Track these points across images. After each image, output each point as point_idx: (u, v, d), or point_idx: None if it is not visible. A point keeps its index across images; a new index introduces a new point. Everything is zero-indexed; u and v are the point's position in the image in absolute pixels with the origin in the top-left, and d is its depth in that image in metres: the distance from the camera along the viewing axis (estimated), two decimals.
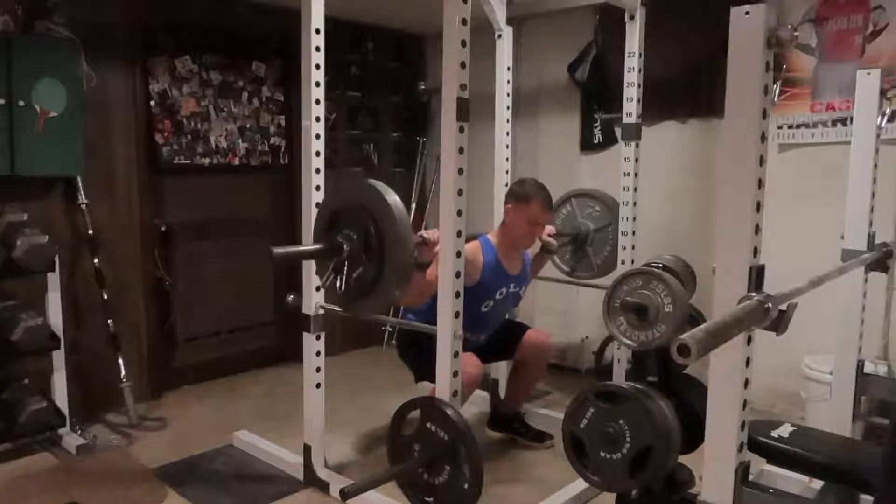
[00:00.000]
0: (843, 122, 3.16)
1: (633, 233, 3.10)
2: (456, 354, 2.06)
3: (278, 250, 2.09)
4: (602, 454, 1.58)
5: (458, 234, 2.02)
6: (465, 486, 1.96)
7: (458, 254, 2.02)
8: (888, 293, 3.07)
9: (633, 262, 3.08)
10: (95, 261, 3.21)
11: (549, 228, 3.08)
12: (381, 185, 2.06)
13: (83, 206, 3.17)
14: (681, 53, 3.59)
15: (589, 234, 3.35)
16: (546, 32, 4.06)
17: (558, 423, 1.74)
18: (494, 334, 2.99)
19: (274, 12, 3.79)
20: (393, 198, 2.02)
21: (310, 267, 2.58)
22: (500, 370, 3.40)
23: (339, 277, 2.14)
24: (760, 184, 1.31)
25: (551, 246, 3.08)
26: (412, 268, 2.10)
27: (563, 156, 4.13)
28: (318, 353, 2.64)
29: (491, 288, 2.78)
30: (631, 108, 3.05)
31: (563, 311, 4.18)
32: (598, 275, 3.36)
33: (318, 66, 2.52)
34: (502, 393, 3.31)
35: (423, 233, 2.35)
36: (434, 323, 2.08)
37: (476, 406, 3.39)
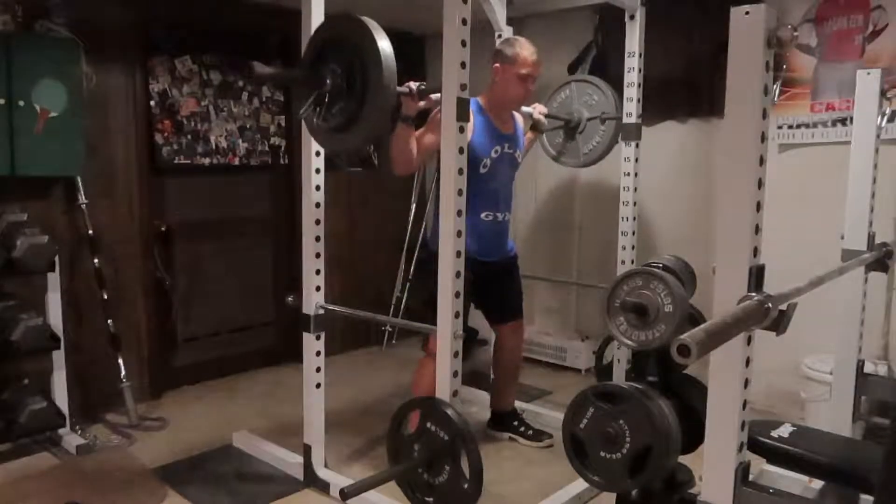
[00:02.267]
0: (843, 122, 3.16)
1: (633, 233, 3.10)
2: (456, 354, 2.06)
3: (261, 70, 2.10)
4: (602, 454, 1.58)
5: (458, 234, 2.02)
6: (465, 486, 1.96)
7: (459, 253, 2.02)
8: (888, 293, 3.08)
9: (633, 262, 3.08)
10: (95, 261, 3.21)
11: (541, 108, 3.10)
12: (374, 26, 2.04)
13: (83, 206, 3.17)
14: (681, 53, 3.59)
15: (582, 121, 3.31)
16: (546, 32, 4.06)
17: (558, 423, 1.74)
18: (499, 289, 2.97)
19: (274, 12, 3.79)
20: (384, 42, 2.00)
21: (310, 267, 2.58)
22: None
23: (319, 109, 2.13)
24: (760, 184, 1.31)
25: (541, 124, 3.09)
26: (394, 101, 2.08)
27: None
28: (318, 353, 2.64)
29: (484, 146, 2.74)
30: (631, 108, 3.05)
31: (562, 311, 4.18)
32: (583, 164, 3.35)
33: None
34: None
35: (410, 83, 2.33)
36: None
37: (476, 406, 3.39)
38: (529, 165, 4.17)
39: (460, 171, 2.00)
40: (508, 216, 2.93)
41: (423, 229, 4.69)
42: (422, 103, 2.36)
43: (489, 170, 2.77)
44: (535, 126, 3.10)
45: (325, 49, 2.14)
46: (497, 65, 2.76)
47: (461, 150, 1.99)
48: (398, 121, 2.46)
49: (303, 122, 2.54)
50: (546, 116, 3.12)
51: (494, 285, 2.91)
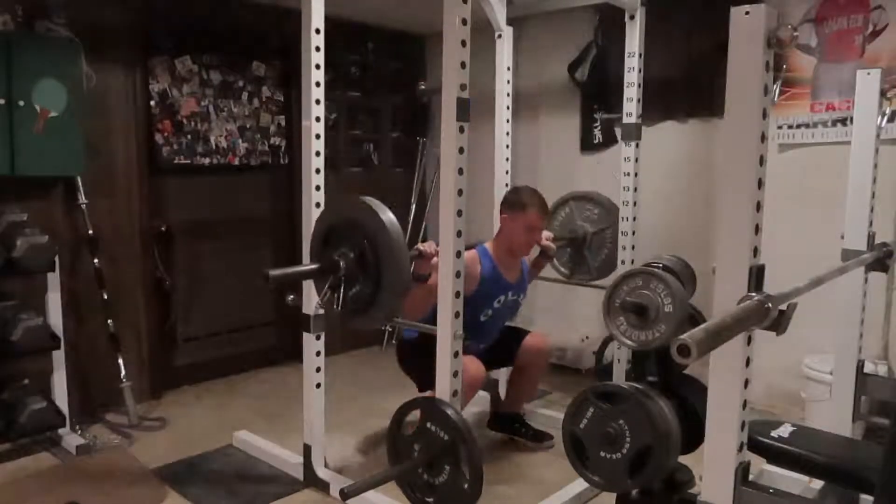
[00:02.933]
0: (843, 122, 3.16)
1: (633, 233, 3.10)
2: (456, 354, 2.06)
3: (275, 272, 2.11)
4: (602, 454, 1.58)
5: (458, 234, 2.02)
6: (465, 486, 1.96)
7: (458, 254, 2.02)
8: (888, 293, 3.08)
9: (633, 262, 3.08)
10: (95, 261, 3.21)
11: (547, 234, 3.09)
12: (375, 203, 2.07)
13: (83, 206, 3.17)
14: (681, 53, 3.59)
15: (587, 236, 3.35)
16: (546, 32, 4.06)
17: (558, 423, 1.74)
18: (494, 342, 2.99)
19: (274, 12, 3.79)
20: (387, 216, 2.04)
21: None
22: (501, 371, 3.40)
23: (336, 295, 2.15)
24: (760, 184, 1.31)
25: (550, 251, 3.08)
26: (409, 283, 2.12)
27: (563, 156, 4.13)
28: (318, 353, 2.64)
29: (489, 297, 2.79)
30: (631, 108, 3.05)
31: (563, 311, 4.18)
32: (596, 277, 3.37)
33: (318, 66, 2.52)
34: (502, 393, 3.31)
35: (420, 246, 2.37)
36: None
37: (476, 406, 3.39)
38: (530, 161, 4.17)
39: (460, 171, 1.99)
40: (488, 345, 2.95)
41: (422, 229, 4.68)
42: (434, 260, 2.33)
43: (489, 318, 2.83)
44: (543, 252, 3.09)
45: (329, 236, 2.19)
46: (504, 214, 2.81)
47: (461, 151, 1.99)
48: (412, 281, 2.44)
49: (303, 123, 2.55)
50: (552, 240, 3.10)
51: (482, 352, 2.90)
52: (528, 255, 2.99)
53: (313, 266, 2.23)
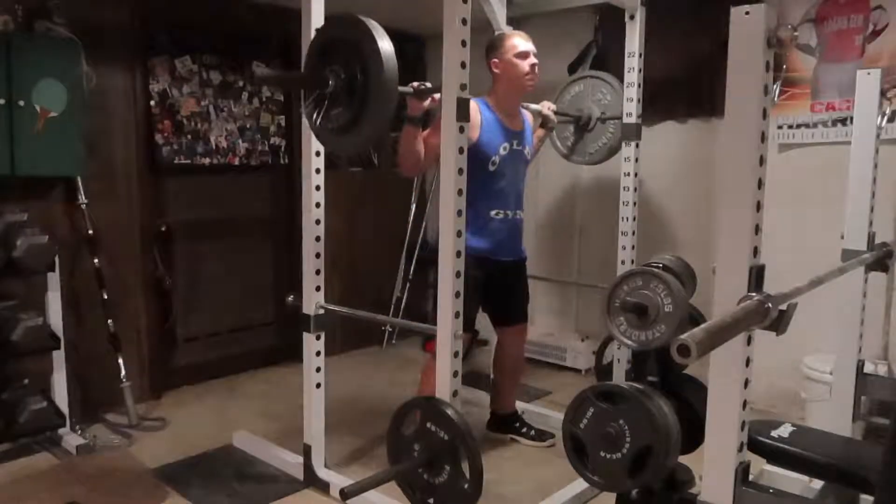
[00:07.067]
0: (843, 122, 3.16)
1: (633, 233, 3.10)
2: (456, 354, 2.06)
3: (262, 72, 2.06)
4: (602, 454, 1.58)
5: (458, 234, 2.02)
6: (465, 486, 1.96)
7: (458, 254, 2.02)
8: (888, 293, 3.08)
9: (633, 262, 3.09)
10: (95, 261, 3.21)
11: (550, 104, 3.09)
12: (376, 28, 2.02)
13: (83, 206, 3.17)
14: (681, 53, 3.59)
15: (592, 119, 3.28)
16: (546, 32, 4.06)
17: (558, 423, 1.74)
18: (507, 291, 2.96)
19: (274, 12, 3.79)
20: (385, 44, 1.99)
21: (310, 267, 2.58)
22: None
23: (318, 110, 2.12)
24: (760, 184, 1.31)
25: (550, 120, 3.07)
26: (399, 110, 2.08)
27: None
28: (318, 353, 2.64)
29: (493, 143, 2.73)
30: (631, 108, 3.05)
31: (563, 311, 4.18)
32: (588, 162, 3.35)
33: None
34: None
35: (414, 83, 2.32)
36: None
37: (476, 406, 3.39)
38: (531, 164, 4.17)
39: (460, 171, 2.00)
40: (521, 214, 2.90)
41: (423, 229, 4.70)
42: (426, 103, 2.34)
43: (498, 167, 2.75)
44: (544, 123, 3.08)
45: (327, 50, 2.14)
46: (493, 59, 2.77)
47: (461, 150, 1.99)
48: (404, 122, 2.45)
49: (303, 123, 2.55)
50: (555, 113, 3.10)
51: (503, 287, 2.90)
52: (531, 87, 2.82)
53: (301, 74, 2.18)
